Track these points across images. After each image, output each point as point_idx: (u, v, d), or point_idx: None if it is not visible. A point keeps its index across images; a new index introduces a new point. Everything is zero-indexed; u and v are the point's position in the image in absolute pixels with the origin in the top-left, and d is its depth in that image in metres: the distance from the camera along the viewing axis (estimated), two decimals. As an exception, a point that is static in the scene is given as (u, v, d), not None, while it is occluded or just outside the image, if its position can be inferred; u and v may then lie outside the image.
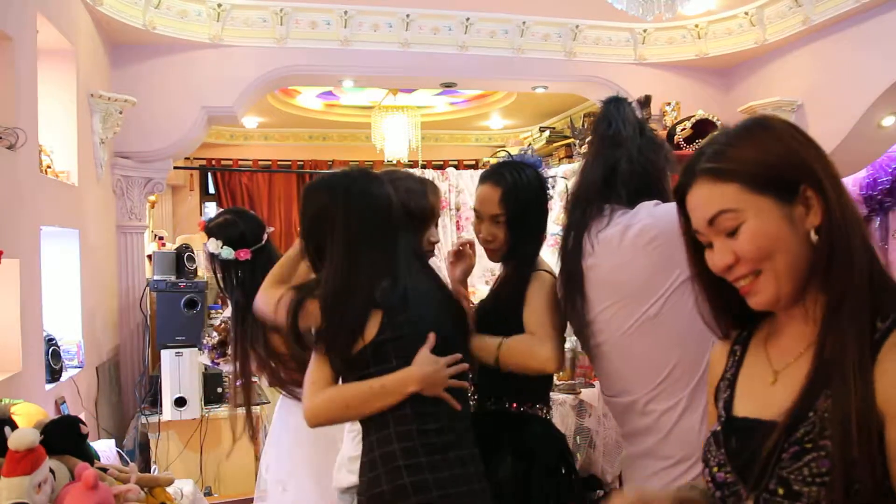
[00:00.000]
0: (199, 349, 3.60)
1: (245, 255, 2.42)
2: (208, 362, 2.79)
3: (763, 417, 1.06)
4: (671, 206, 1.81)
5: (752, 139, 1.07)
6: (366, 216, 1.70)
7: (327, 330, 1.65)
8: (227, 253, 2.41)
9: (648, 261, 1.81)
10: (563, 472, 2.02)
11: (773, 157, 1.05)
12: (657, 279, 1.80)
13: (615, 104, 2.04)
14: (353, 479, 1.90)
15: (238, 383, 2.50)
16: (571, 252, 1.96)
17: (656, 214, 1.83)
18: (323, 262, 1.71)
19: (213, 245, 2.42)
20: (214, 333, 2.66)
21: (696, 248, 1.15)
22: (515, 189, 2.03)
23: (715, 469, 1.10)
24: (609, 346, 1.91)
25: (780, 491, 0.99)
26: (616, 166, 1.93)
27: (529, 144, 6.79)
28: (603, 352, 1.93)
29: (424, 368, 1.64)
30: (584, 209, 1.95)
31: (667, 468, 1.84)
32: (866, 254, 1.03)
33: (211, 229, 2.47)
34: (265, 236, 2.48)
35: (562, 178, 4.28)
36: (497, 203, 2.04)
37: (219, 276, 2.49)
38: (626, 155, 1.93)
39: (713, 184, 1.07)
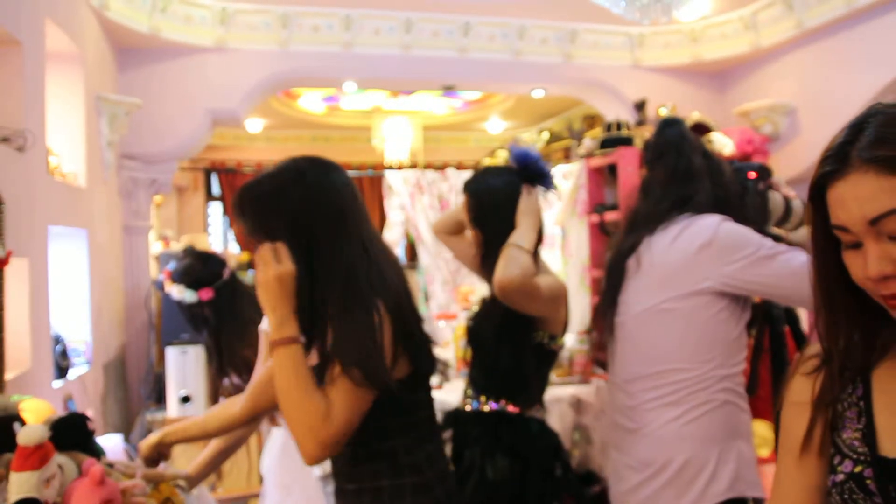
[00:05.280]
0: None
1: (207, 294, 2.42)
2: None
3: None
4: (736, 227, 1.86)
5: None
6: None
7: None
8: (191, 296, 2.42)
9: (684, 259, 1.88)
10: (559, 471, 2.07)
11: None
12: (685, 278, 1.87)
13: (678, 130, 2.05)
14: None
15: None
16: (616, 269, 2.03)
17: (719, 229, 1.86)
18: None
19: (177, 291, 2.44)
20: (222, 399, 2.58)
21: (825, 247, 0.93)
22: (478, 194, 2.07)
23: None
24: (622, 323, 2.00)
25: None
26: (690, 199, 1.96)
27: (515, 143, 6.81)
28: (617, 328, 2.02)
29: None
30: (639, 236, 2.00)
31: (635, 468, 1.94)
32: None
33: (173, 276, 2.49)
34: (225, 272, 2.48)
35: (561, 178, 4.33)
36: (464, 209, 2.12)
37: (190, 321, 2.50)
38: (702, 189, 1.96)
39: (884, 175, 0.83)
